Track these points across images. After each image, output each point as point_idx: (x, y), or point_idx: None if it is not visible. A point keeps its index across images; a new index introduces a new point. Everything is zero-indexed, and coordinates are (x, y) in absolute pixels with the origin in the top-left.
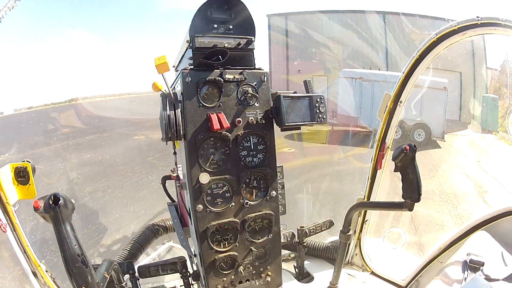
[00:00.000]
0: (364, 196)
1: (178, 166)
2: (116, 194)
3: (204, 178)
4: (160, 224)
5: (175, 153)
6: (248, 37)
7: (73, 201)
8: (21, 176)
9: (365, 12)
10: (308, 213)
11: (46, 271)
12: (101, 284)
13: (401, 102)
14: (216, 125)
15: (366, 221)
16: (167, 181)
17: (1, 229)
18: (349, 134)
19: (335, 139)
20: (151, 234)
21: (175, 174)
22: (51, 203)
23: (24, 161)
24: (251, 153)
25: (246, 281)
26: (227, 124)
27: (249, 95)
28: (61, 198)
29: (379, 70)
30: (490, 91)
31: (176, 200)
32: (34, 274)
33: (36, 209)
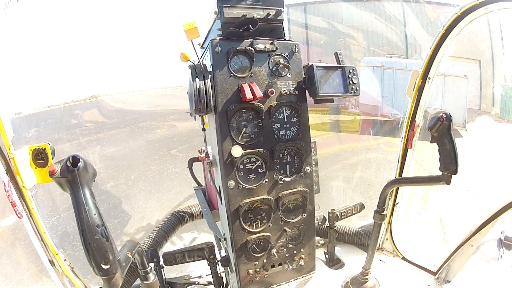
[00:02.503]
0: (395, 176)
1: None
2: (139, 187)
3: (237, 151)
4: (186, 210)
5: (204, 129)
6: (277, 8)
7: (95, 167)
8: (40, 158)
9: (384, 0)
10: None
11: (65, 260)
12: (123, 264)
13: (429, 78)
14: (249, 95)
15: (397, 203)
16: (193, 164)
17: (17, 215)
18: (379, 123)
19: (365, 129)
20: (176, 221)
21: (203, 155)
22: (69, 165)
23: (43, 143)
24: (284, 126)
25: (278, 265)
26: (259, 93)
27: (281, 65)
28: (81, 160)
29: (400, 58)
30: (509, 79)
31: (203, 184)
32: (51, 262)
33: (51, 174)
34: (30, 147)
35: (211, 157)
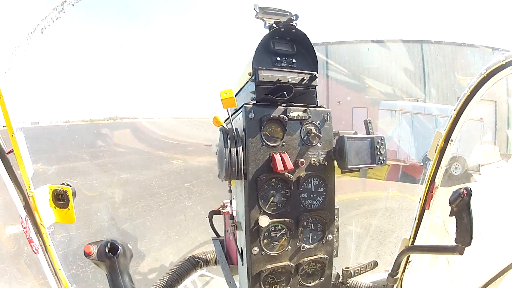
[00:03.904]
0: (410, 236)
1: (227, 201)
2: (151, 216)
3: (264, 221)
4: (201, 256)
5: (230, 190)
6: (312, 72)
7: (131, 247)
8: (60, 199)
9: (403, 42)
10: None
11: None
12: None
13: (451, 140)
14: (280, 166)
15: (409, 261)
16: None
17: (33, 251)
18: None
19: (392, 176)
20: (191, 266)
21: (224, 210)
22: (107, 251)
23: (63, 184)
24: (311, 195)
25: None
26: (290, 165)
27: (312, 134)
28: (120, 247)
29: (417, 101)
30: None
31: (222, 235)
32: None
33: (87, 255)
34: (50, 186)
35: (235, 219)
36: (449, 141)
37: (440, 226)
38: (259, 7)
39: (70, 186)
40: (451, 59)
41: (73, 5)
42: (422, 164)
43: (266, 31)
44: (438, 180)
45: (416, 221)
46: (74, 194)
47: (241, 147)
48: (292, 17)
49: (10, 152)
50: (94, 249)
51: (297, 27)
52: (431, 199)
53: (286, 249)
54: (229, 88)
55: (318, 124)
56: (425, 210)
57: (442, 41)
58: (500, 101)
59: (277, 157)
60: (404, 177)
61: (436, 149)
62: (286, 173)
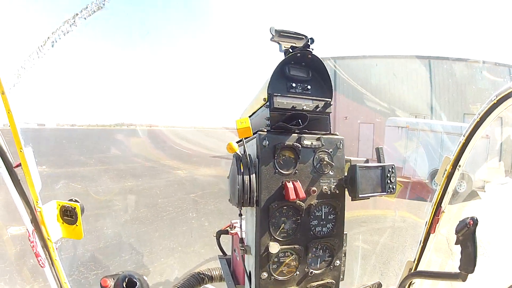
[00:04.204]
0: (414, 259)
1: (235, 221)
2: (154, 226)
3: (274, 248)
4: (206, 273)
5: (240, 214)
6: (326, 99)
7: (146, 278)
8: (68, 215)
9: (411, 58)
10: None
11: None
12: None
13: (459, 166)
14: (292, 195)
15: (413, 283)
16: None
17: (40, 265)
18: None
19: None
20: (195, 282)
21: (233, 231)
22: (125, 286)
23: (72, 200)
24: (321, 222)
25: None
26: (303, 194)
27: (325, 163)
28: (137, 282)
29: (424, 118)
30: None
31: (229, 254)
32: None
33: None
34: (58, 202)
35: (245, 242)
36: (457, 167)
37: (443, 243)
38: (275, 30)
39: (79, 202)
40: (460, 75)
41: (85, 18)
42: (427, 181)
43: (280, 54)
44: (444, 205)
45: (421, 244)
46: (82, 211)
47: (254, 175)
48: (308, 42)
49: (18, 165)
50: (111, 283)
51: (313, 53)
52: (437, 223)
53: (294, 274)
54: (246, 117)
55: (331, 152)
56: (431, 234)
57: (451, 57)
58: (506, 117)
59: (290, 185)
60: (411, 194)
61: (444, 174)
62: (298, 201)
